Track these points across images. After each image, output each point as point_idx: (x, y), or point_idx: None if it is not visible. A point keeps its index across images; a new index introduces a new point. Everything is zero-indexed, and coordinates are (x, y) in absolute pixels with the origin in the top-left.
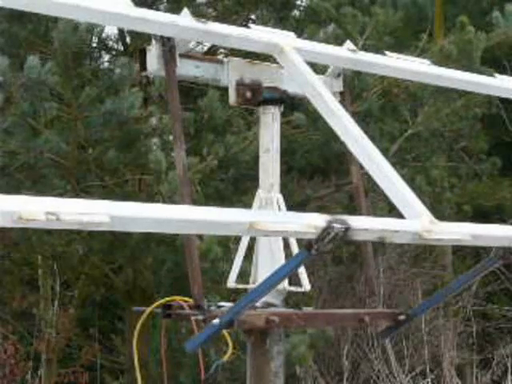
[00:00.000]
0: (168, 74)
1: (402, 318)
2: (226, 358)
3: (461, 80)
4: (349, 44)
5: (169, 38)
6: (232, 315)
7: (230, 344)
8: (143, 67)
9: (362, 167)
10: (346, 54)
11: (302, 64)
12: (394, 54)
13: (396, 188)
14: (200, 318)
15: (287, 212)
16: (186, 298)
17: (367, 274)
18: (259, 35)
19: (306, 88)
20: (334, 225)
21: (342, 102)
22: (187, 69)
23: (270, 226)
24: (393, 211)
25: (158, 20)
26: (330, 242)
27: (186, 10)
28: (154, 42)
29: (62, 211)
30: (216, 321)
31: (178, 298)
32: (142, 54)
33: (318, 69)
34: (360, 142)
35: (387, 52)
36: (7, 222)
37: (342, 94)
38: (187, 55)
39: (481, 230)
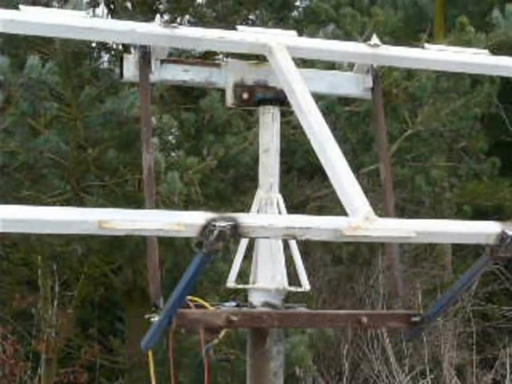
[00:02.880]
0: (141, 79)
1: (415, 319)
2: (215, 341)
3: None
4: (374, 39)
5: (143, 45)
6: (165, 315)
7: (222, 332)
8: (121, 74)
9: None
10: (362, 50)
11: (285, 62)
12: (435, 46)
13: (342, 184)
14: (153, 316)
15: (157, 211)
16: (194, 298)
17: (393, 274)
18: (244, 36)
19: (284, 85)
20: (217, 223)
21: (373, 97)
22: (174, 73)
23: (120, 224)
24: (396, 209)
25: (113, 29)
26: (218, 241)
27: (157, 17)
28: (132, 49)
29: None
30: (155, 319)
31: (188, 297)
32: (121, 61)
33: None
34: (318, 138)
35: (426, 44)
36: None
37: (372, 90)
38: (173, 60)
39: (428, 227)
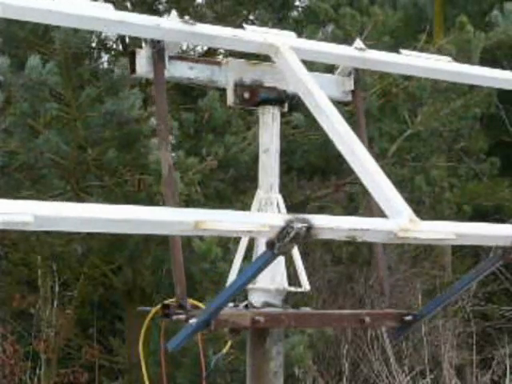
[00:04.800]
0: (156, 75)
1: (408, 318)
2: (224, 350)
3: (479, 76)
4: (358, 43)
5: (158, 41)
6: (208, 315)
7: (228, 343)
8: (133, 69)
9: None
10: (352, 53)
11: (296, 63)
12: (410, 52)
13: (379, 186)
14: (182, 317)
15: (243, 212)
16: (192, 300)
17: (378, 274)
18: (253, 36)
19: (298, 86)
20: (294, 224)
21: (353, 100)
22: (181, 70)
23: (217, 225)
24: None
25: (141, 23)
26: (292, 241)
27: (174, 12)
28: (144, 44)
29: None
30: (193, 320)
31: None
32: (132, 56)
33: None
34: (345, 140)
35: (402, 50)
36: None
37: (353, 92)
38: (180, 57)
39: (465, 229)
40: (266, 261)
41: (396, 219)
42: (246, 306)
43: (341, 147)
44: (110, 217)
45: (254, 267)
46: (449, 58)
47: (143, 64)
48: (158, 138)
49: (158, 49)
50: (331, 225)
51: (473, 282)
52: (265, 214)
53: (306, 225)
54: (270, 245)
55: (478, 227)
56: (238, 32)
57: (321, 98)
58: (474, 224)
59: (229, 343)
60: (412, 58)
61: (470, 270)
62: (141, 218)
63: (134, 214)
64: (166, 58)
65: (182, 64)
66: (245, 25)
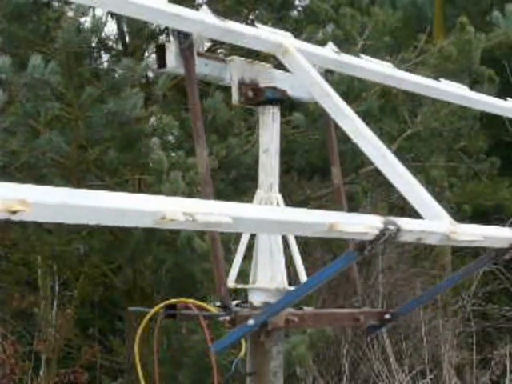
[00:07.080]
0: (188, 71)
1: (387, 317)
2: (242, 353)
3: (423, 85)
4: (331, 45)
5: (187, 36)
6: (268, 316)
7: (243, 340)
8: (162, 64)
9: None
10: (333, 56)
11: (307, 64)
12: (365, 57)
13: (413, 189)
14: (227, 318)
15: (357, 214)
16: (191, 300)
17: (350, 275)
18: (267, 35)
19: (313, 88)
20: (389, 226)
21: None
22: (199, 67)
23: (346, 227)
24: (392, 211)
25: (188, 17)
26: (383, 243)
27: (204, 7)
28: (172, 39)
29: (195, 211)
30: (251, 321)
31: (182, 299)
32: (161, 50)
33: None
34: (374, 144)
35: (362, 54)
36: (148, 223)
37: None
38: (198, 53)
39: (492, 232)
40: (349, 262)
41: (442, 222)
42: (237, 305)
43: (368, 151)
44: (276, 219)
45: (335, 267)
46: (391, 65)
47: (172, 59)
48: (194, 135)
49: (188, 44)
50: (411, 228)
51: (460, 280)
52: (366, 216)
53: (396, 227)
54: (361, 246)
55: (503, 230)
56: (257, 31)
57: (339, 101)
58: (499, 228)
59: (244, 346)
60: (374, 64)
61: (458, 270)
62: (284, 219)
63: (288, 216)
64: (195, 54)
65: (200, 60)
66: (257, 24)
